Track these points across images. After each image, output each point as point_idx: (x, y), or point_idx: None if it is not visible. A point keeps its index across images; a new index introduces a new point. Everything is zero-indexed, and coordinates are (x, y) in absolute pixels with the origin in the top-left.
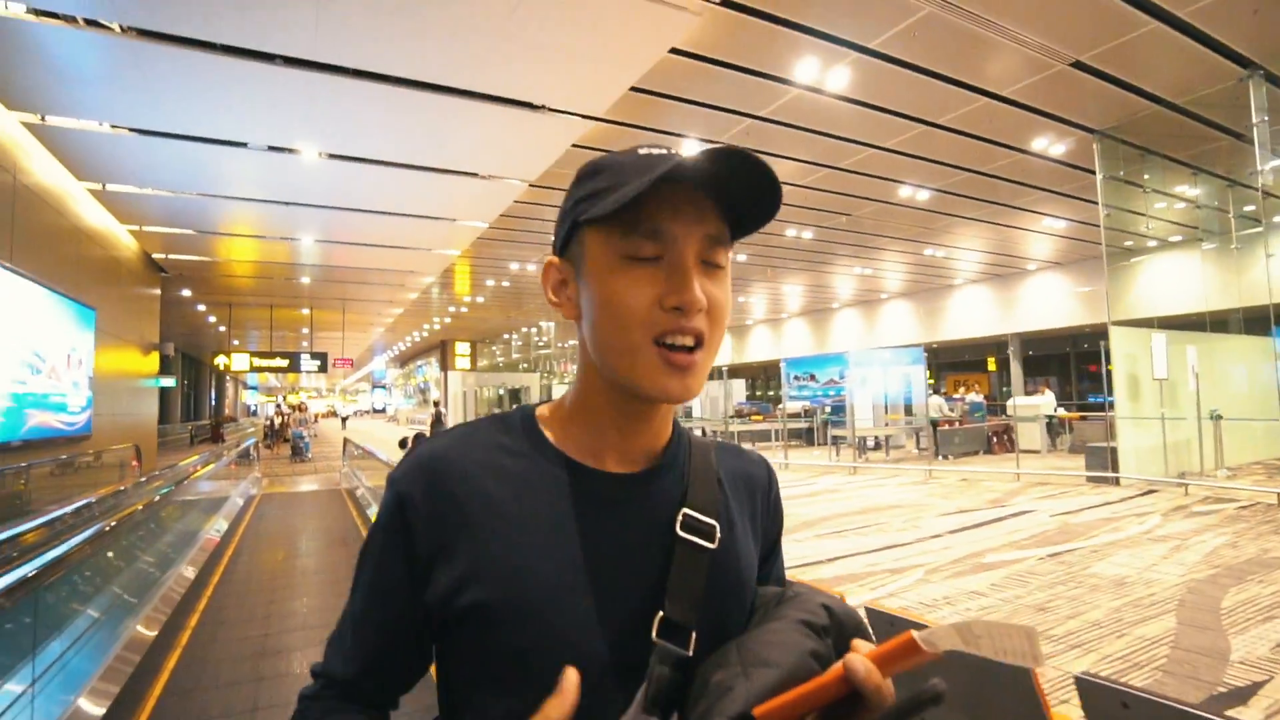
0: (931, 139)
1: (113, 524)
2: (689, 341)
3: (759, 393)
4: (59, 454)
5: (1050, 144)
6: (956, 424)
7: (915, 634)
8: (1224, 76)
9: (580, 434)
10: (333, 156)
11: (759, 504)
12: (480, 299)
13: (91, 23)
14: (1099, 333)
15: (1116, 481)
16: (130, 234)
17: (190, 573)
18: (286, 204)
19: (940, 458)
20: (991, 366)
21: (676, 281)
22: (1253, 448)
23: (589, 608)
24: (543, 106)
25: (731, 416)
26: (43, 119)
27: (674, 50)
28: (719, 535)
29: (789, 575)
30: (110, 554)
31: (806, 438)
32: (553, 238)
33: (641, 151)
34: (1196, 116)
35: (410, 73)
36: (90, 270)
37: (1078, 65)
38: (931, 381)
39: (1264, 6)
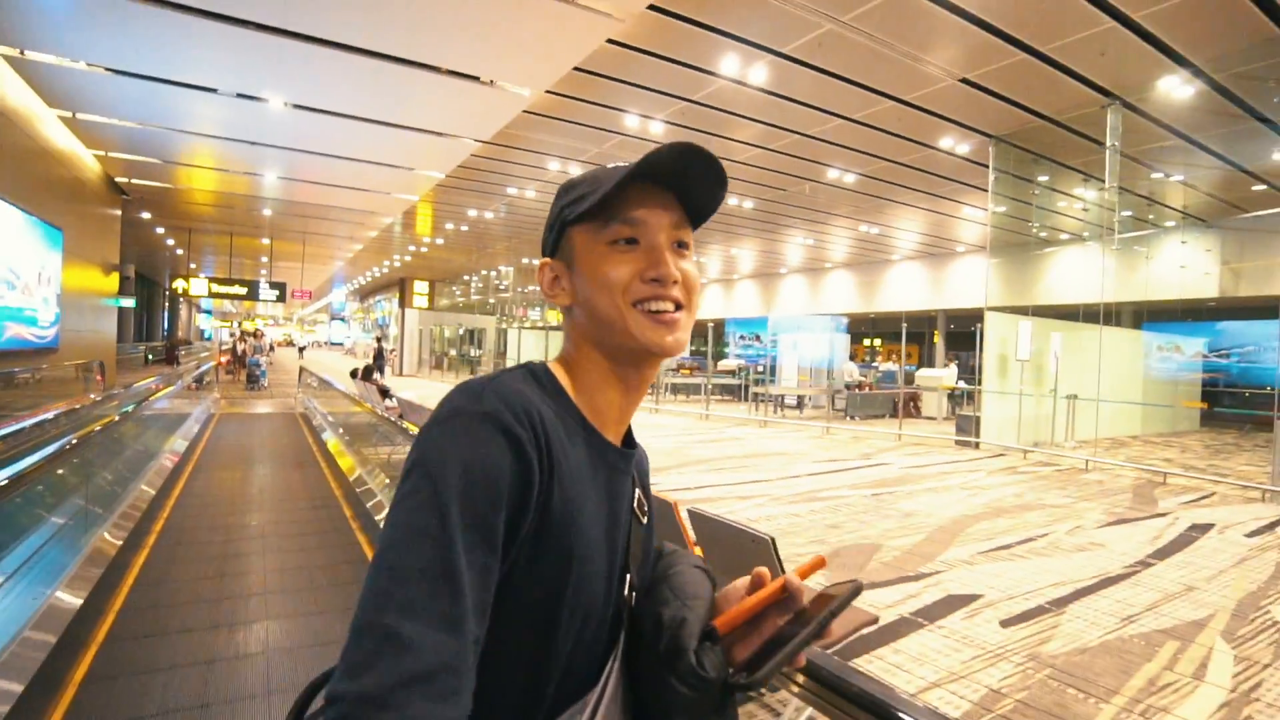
0: (850, 131)
1: (85, 434)
2: (669, 307)
3: (710, 348)
4: (30, 364)
5: (955, 144)
6: (867, 389)
7: (824, 556)
8: (1091, 102)
9: (589, 404)
10: (298, 107)
11: (647, 484)
12: (440, 240)
13: None
14: (1019, 313)
15: (977, 445)
16: (95, 158)
17: (151, 490)
18: (251, 143)
19: (849, 418)
20: (940, 339)
21: (653, 258)
22: (1115, 424)
23: (603, 562)
24: (491, 81)
25: (669, 369)
26: (21, 53)
27: (610, 40)
28: (648, 513)
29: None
30: (80, 462)
31: (737, 394)
32: (541, 244)
33: (610, 166)
34: (1076, 131)
35: (371, 44)
36: (57, 192)
37: (965, 81)
38: (898, 350)
39: (1109, 49)
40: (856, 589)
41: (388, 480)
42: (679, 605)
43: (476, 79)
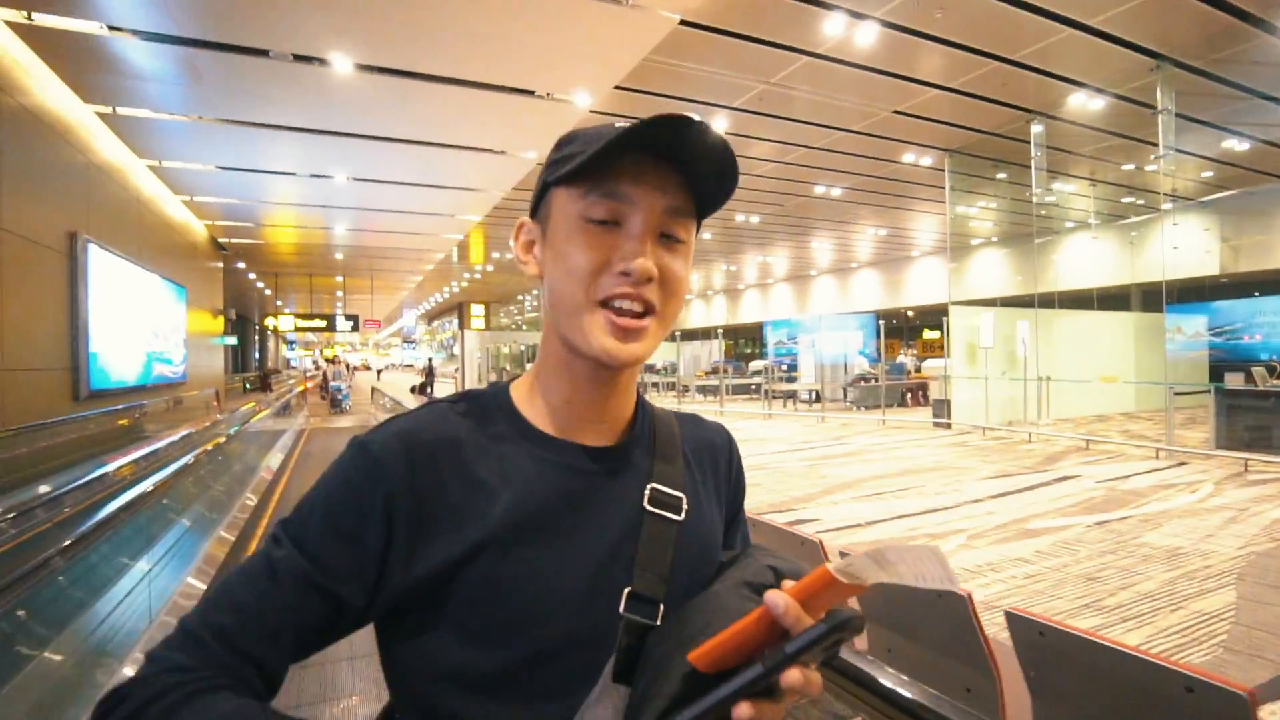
0: (820, 156)
1: (210, 448)
2: (636, 308)
3: (751, 350)
4: (168, 394)
5: (917, 158)
6: (875, 381)
7: (829, 566)
8: (1017, 118)
9: (551, 406)
10: (357, 179)
11: (721, 472)
12: (490, 268)
13: (200, 117)
14: (1027, 303)
15: (949, 426)
16: (205, 226)
17: (254, 499)
18: (323, 207)
19: (858, 409)
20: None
21: (629, 248)
22: (1105, 402)
23: (565, 583)
24: (503, 151)
25: (698, 373)
26: (160, 163)
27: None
28: (685, 508)
29: None
30: (208, 467)
31: (760, 392)
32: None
33: (617, 124)
34: (1017, 139)
35: (407, 135)
36: (179, 256)
37: (898, 113)
38: (934, 342)
39: (1007, 82)
40: (841, 623)
41: None
42: (672, 645)
43: (490, 150)
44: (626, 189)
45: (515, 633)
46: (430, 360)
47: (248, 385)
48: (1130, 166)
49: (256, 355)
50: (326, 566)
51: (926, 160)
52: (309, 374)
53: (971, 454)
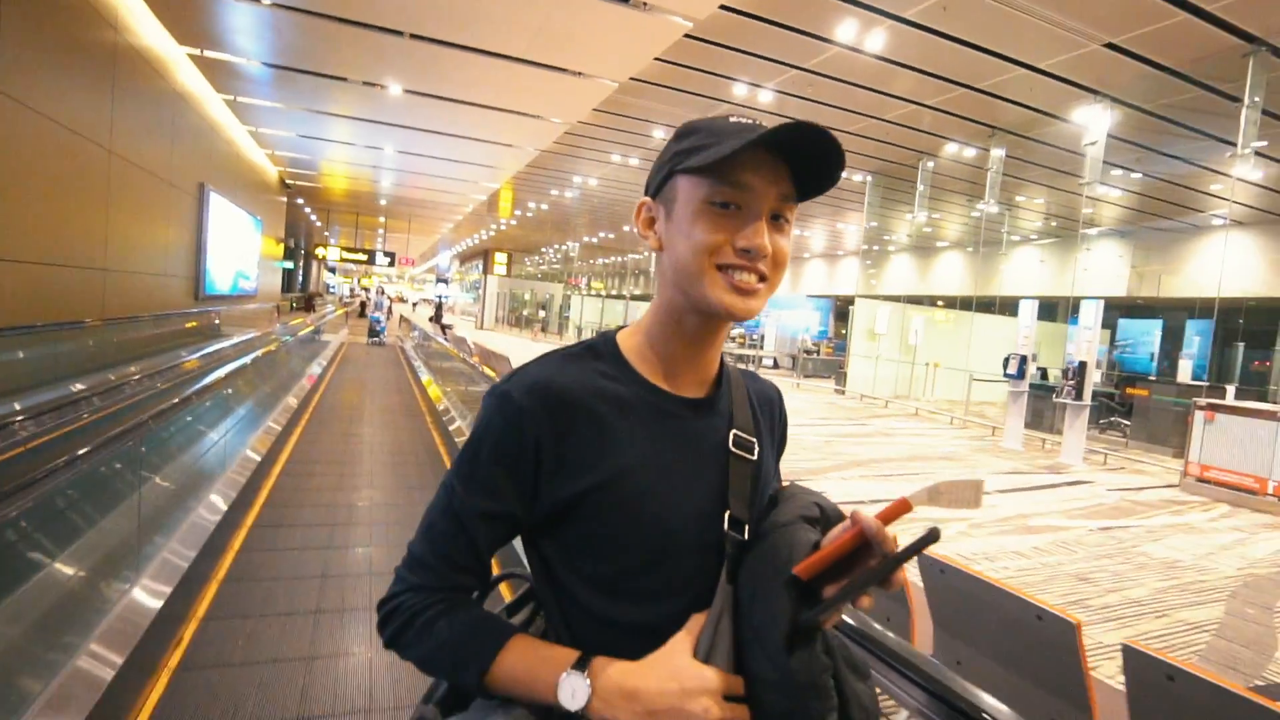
0: None
1: (273, 348)
2: (753, 280)
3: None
4: (245, 302)
5: (849, 175)
6: (817, 355)
7: (908, 496)
8: (912, 157)
9: (657, 359)
10: (403, 152)
11: (775, 419)
12: (513, 223)
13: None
14: (891, 300)
15: (843, 392)
16: (277, 170)
17: (317, 369)
18: (373, 166)
19: (800, 376)
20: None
21: (749, 229)
22: (981, 391)
23: (672, 502)
24: (538, 115)
25: None
26: (256, 129)
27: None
28: (757, 449)
29: None
30: (267, 365)
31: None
32: (647, 181)
33: (732, 119)
34: (911, 166)
35: (441, 129)
36: (257, 193)
37: None
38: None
39: (888, 134)
40: (932, 536)
41: (433, 377)
42: (768, 572)
43: (537, 116)
44: (748, 179)
45: (637, 542)
46: (440, 297)
47: (294, 305)
48: (1038, 200)
49: (301, 278)
50: (497, 494)
51: (859, 178)
52: (345, 300)
53: (827, 409)
